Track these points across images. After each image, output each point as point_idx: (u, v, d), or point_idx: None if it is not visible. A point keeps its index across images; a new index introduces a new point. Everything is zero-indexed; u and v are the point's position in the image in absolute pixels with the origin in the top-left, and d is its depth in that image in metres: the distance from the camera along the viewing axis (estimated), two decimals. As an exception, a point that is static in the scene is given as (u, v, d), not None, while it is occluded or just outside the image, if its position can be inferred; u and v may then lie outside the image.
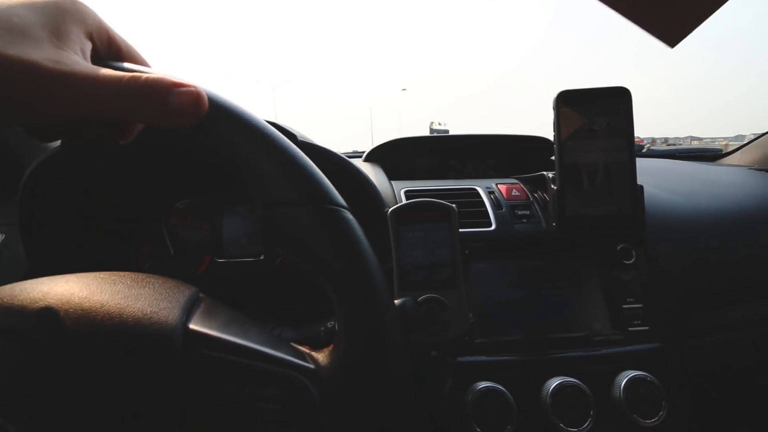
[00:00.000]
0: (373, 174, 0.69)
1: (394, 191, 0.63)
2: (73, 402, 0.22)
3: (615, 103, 0.50)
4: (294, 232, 0.25)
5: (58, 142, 0.51)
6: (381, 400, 0.24)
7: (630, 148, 0.50)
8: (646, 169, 0.86)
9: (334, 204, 0.26)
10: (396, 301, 0.33)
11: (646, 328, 0.52)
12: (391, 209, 0.47)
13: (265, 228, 0.26)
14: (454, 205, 0.47)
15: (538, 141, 0.81)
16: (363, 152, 0.88)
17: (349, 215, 0.26)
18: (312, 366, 0.25)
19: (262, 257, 0.69)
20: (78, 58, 0.21)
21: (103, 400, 0.22)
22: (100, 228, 0.64)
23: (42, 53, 0.20)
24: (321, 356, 0.26)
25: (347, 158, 0.57)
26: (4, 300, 0.24)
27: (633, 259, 0.54)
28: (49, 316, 0.23)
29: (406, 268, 0.45)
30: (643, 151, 1.20)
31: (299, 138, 0.53)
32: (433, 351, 0.44)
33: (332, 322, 0.40)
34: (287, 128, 0.54)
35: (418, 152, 0.87)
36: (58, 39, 0.21)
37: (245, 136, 0.25)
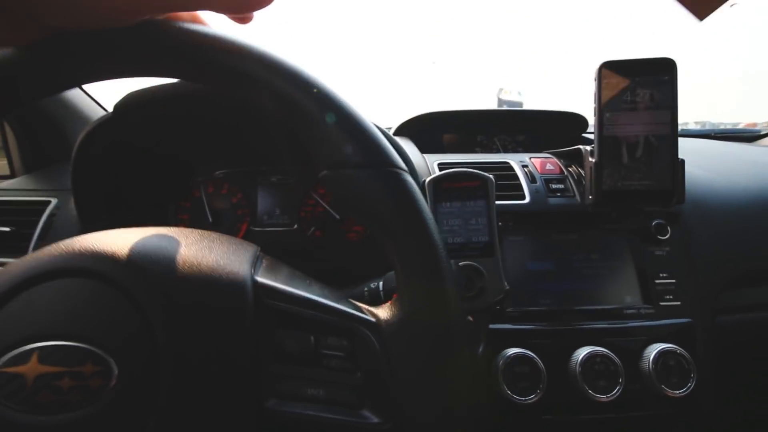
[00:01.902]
0: (405, 146, 0.70)
1: (427, 164, 0.64)
2: (161, 343, 0.24)
3: (659, 74, 0.49)
4: (358, 193, 0.26)
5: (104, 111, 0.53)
6: (440, 351, 0.26)
7: (673, 122, 0.49)
8: (682, 148, 0.84)
9: (395, 167, 0.27)
10: None
11: (678, 303, 0.52)
12: (429, 179, 0.48)
13: (330, 188, 0.27)
14: (491, 176, 0.48)
15: (569, 117, 0.80)
16: (389, 128, 0.89)
17: (409, 177, 0.27)
18: (373, 319, 0.27)
19: (295, 227, 0.71)
20: None
21: (187, 343, 0.24)
22: (144, 194, 0.67)
23: None
24: (380, 311, 0.28)
25: (380, 127, 0.58)
26: (95, 246, 0.26)
27: (668, 235, 0.54)
28: (137, 264, 0.25)
29: (444, 236, 0.46)
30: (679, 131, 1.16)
31: None
32: (469, 316, 0.45)
33: (375, 283, 0.42)
34: None
35: (445, 126, 0.87)
36: None
37: (312, 98, 0.26)
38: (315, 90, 0.27)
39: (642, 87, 0.49)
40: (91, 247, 0.26)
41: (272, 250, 0.69)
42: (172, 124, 0.60)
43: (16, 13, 0.22)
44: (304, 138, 0.27)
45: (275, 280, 0.28)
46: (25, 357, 0.23)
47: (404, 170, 0.27)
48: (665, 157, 0.49)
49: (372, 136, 0.27)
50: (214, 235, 0.32)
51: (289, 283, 0.28)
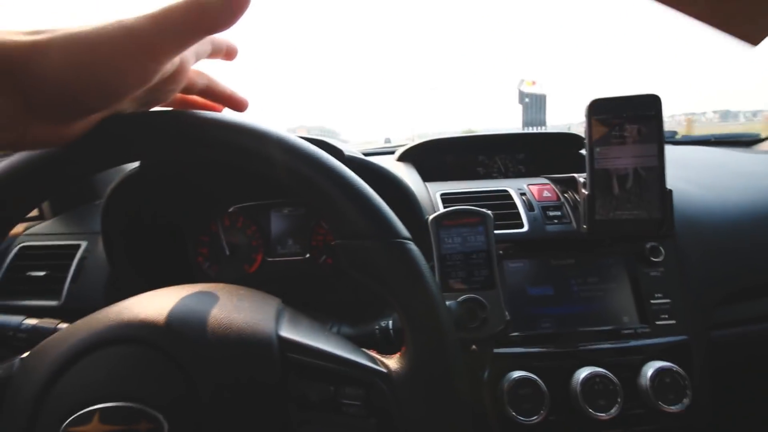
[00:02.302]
0: (408, 176, 0.73)
1: (430, 194, 0.67)
2: (204, 399, 0.28)
3: (646, 109, 0.52)
4: (367, 261, 0.30)
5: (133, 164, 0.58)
6: (442, 395, 0.29)
7: (660, 154, 0.52)
8: (677, 161, 0.86)
9: (400, 237, 0.30)
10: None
11: (673, 322, 0.55)
12: (432, 217, 0.51)
13: (342, 256, 0.31)
14: (490, 213, 0.51)
15: (565, 136, 0.83)
16: (395, 146, 0.92)
17: (413, 247, 0.30)
18: (385, 370, 0.31)
19: (307, 255, 0.75)
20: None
21: (225, 398, 0.28)
22: (166, 231, 0.71)
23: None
24: (391, 362, 0.31)
25: (385, 164, 0.62)
26: (140, 314, 0.30)
27: (661, 257, 0.57)
28: (177, 329, 0.29)
29: (447, 271, 0.50)
30: (676, 137, 1.18)
31: (346, 153, 0.58)
32: (473, 345, 0.49)
33: (385, 323, 0.46)
34: (335, 144, 0.59)
35: (447, 150, 0.90)
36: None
37: (323, 176, 0.30)
38: (325, 169, 0.30)
39: (630, 122, 0.52)
40: (136, 315, 0.30)
41: (286, 278, 0.73)
42: (191, 171, 0.64)
43: (65, 108, 0.25)
44: (320, 210, 0.31)
45: (297, 335, 0.31)
46: (88, 417, 0.27)
47: (409, 240, 0.31)
48: (654, 187, 0.52)
49: (379, 209, 0.30)
50: (241, 290, 0.35)
51: (309, 337, 0.32)
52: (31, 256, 0.66)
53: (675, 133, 1.20)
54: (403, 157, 0.86)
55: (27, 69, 0.24)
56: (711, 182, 0.72)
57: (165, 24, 0.24)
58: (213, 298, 0.33)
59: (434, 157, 0.89)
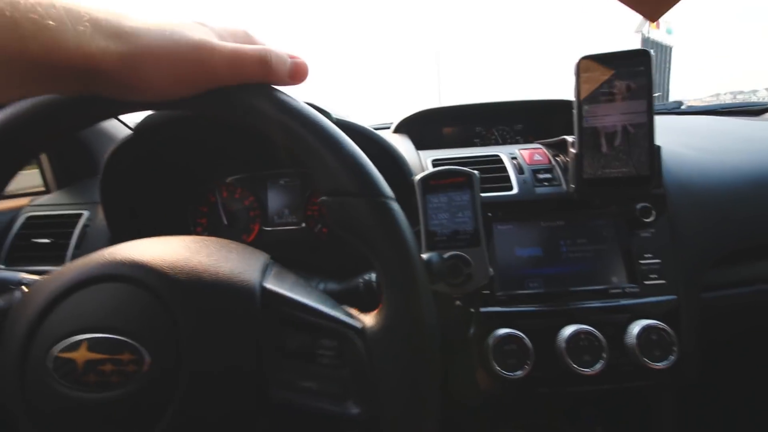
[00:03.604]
0: (402, 145, 0.73)
1: (421, 161, 0.67)
2: (184, 337, 0.29)
3: (635, 65, 0.51)
4: (351, 218, 0.31)
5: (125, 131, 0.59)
6: (414, 355, 0.30)
7: (649, 110, 0.51)
8: (677, 128, 0.85)
9: (384, 196, 0.31)
10: (423, 256, 0.39)
11: (663, 281, 0.55)
12: (418, 177, 0.52)
13: (328, 211, 0.32)
14: (476, 172, 0.51)
15: (562, 104, 0.82)
16: (390, 123, 0.93)
17: (395, 206, 0.31)
18: (359, 325, 0.32)
19: (303, 225, 0.76)
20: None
21: (206, 338, 0.29)
22: (166, 201, 0.73)
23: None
24: (367, 318, 0.33)
25: (377, 132, 0.62)
26: (132, 256, 0.31)
27: (652, 218, 0.57)
28: (166, 271, 0.30)
29: (433, 230, 0.50)
30: (682, 107, 1.16)
31: (333, 116, 0.58)
32: (457, 301, 0.50)
33: (369, 275, 0.47)
34: (322, 107, 0.59)
35: (444, 121, 0.90)
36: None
37: (311, 132, 0.31)
38: (314, 126, 0.31)
39: (619, 78, 0.51)
40: (129, 256, 0.31)
41: (283, 247, 0.75)
42: (188, 138, 0.66)
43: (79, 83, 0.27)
44: (308, 167, 0.32)
45: (281, 287, 0.33)
46: (76, 345, 0.28)
47: (391, 199, 0.31)
48: (642, 144, 0.51)
49: (364, 168, 0.31)
50: (231, 244, 0.37)
51: (292, 290, 0.33)
52: (36, 225, 0.69)
53: (681, 103, 1.17)
54: (399, 129, 0.86)
55: (107, 77, 0.26)
56: (710, 146, 0.71)
57: (235, 65, 0.29)
58: (204, 247, 0.35)
59: (430, 128, 0.89)
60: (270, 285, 0.32)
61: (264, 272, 0.34)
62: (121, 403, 0.28)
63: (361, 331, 0.31)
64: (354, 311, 0.33)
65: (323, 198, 0.31)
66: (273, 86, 0.31)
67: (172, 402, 0.28)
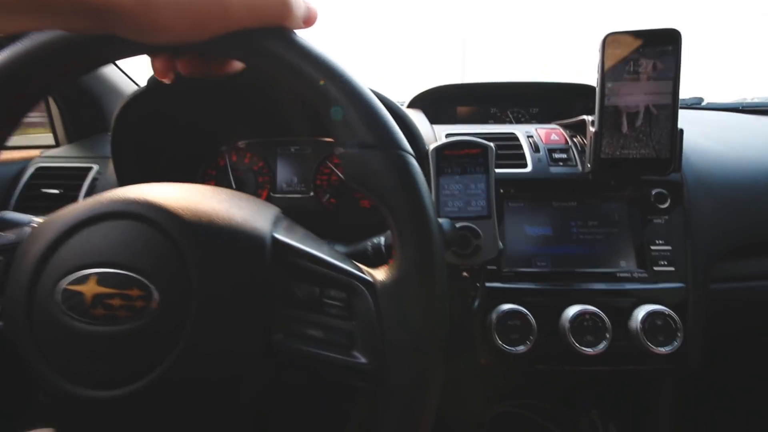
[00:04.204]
0: (416, 118, 0.72)
1: (435, 134, 0.66)
2: (193, 277, 0.29)
3: (664, 45, 0.49)
4: (366, 170, 0.30)
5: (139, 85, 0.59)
6: (422, 311, 0.30)
7: (675, 92, 0.50)
8: (698, 121, 0.83)
9: (401, 149, 0.30)
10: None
11: (672, 269, 0.55)
12: (433, 146, 0.51)
13: (343, 164, 0.31)
14: (492, 144, 0.51)
15: (582, 89, 0.80)
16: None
17: (412, 160, 0.31)
18: (370, 279, 0.32)
19: (311, 194, 0.76)
20: None
21: (214, 280, 0.29)
22: (175, 161, 0.73)
23: None
24: (377, 272, 0.32)
25: (387, 97, 0.61)
26: (144, 195, 0.31)
27: (667, 204, 0.56)
28: (178, 212, 0.30)
29: (444, 200, 0.50)
30: (703, 104, 1.13)
31: None
32: (464, 272, 0.49)
33: (378, 239, 0.46)
34: None
35: (459, 99, 0.88)
36: None
37: (332, 82, 0.30)
38: (335, 76, 0.30)
39: (645, 57, 0.50)
40: (141, 195, 0.31)
41: (290, 215, 0.75)
42: (199, 97, 0.65)
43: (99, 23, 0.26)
44: (324, 118, 0.31)
45: (291, 238, 0.33)
46: (85, 279, 0.28)
47: (409, 153, 0.31)
48: (665, 126, 0.50)
49: (383, 120, 0.30)
50: (244, 195, 0.36)
51: (302, 242, 0.33)
52: (46, 175, 0.68)
53: (701, 99, 1.15)
54: (413, 104, 0.85)
55: (122, 16, 0.25)
56: (730, 139, 0.69)
57: (254, 7, 0.28)
58: (217, 193, 0.34)
59: (444, 106, 0.87)
60: (280, 235, 0.32)
61: (275, 223, 0.33)
62: (128, 337, 0.28)
63: (371, 284, 0.31)
64: (363, 266, 0.33)
65: (339, 150, 0.31)
66: (291, 31, 0.31)
67: (180, 340, 0.28)
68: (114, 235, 0.30)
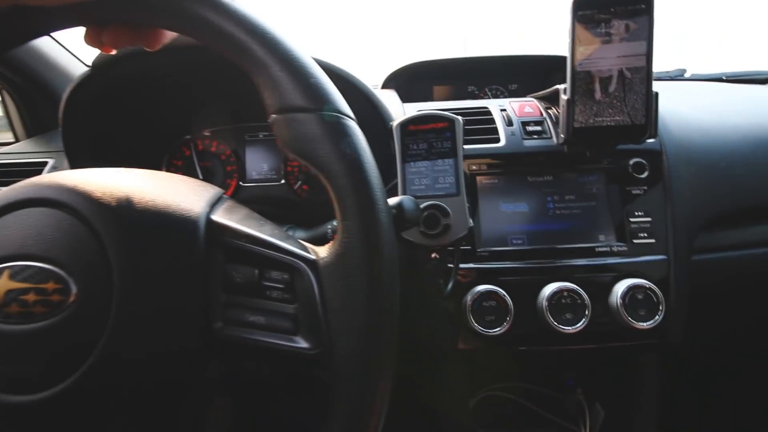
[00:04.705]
0: (386, 97, 0.69)
1: (405, 112, 0.64)
2: (115, 267, 0.26)
3: (636, 2, 0.47)
4: (301, 135, 0.27)
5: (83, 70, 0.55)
6: (367, 287, 0.27)
7: (648, 53, 0.47)
8: (679, 91, 0.81)
9: (338, 112, 0.28)
10: (393, 200, 0.36)
11: (652, 241, 0.53)
12: (396, 122, 0.48)
13: (276, 132, 0.28)
14: (459, 118, 0.48)
15: (562, 61, 0.77)
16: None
17: (350, 122, 0.28)
18: (313, 256, 0.29)
19: (282, 181, 0.73)
20: None
21: (138, 269, 0.27)
22: (135, 153, 0.69)
23: None
24: (322, 250, 0.30)
25: (346, 70, 0.57)
26: (61, 180, 0.28)
27: (646, 174, 0.54)
28: (97, 196, 0.27)
29: (411, 177, 0.47)
30: (686, 75, 1.11)
31: None
32: (434, 253, 0.47)
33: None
34: None
35: (434, 78, 0.85)
36: None
37: (260, 43, 0.27)
38: (259, 33, 0.27)
39: (617, 17, 0.47)
40: (57, 181, 0.28)
41: (261, 203, 0.72)
42: (157, 83, 0.61)
43: None
44: (256, 83, 0.28)
45: (229, 219, 0.30)
46: None
47: (347, 116, 0.28)
48: (639, 90, 0.47)
49: (317, 82, 0.28)
50: (183, 179, 0.34)
51: (241, 222, 0.30)
52: (2, 173, 0.65)
53: (684, 71, 1.12)
54: (386, 85, 0.82)
55: None
56: (710, 106, 0.67)
57: None
58: (147, 177, 0.32)
59: (420, 86, 0.84)
60: (217, 217, 0.30)
61: (213, 205, 0.31)
62: (45, 336, 0.25)
63: (313, 263, 0.28)
64: (308, 245, 0.30)
65: (272, 117, 0.28)
66: None
67: (102, 337, 0.26)
68: (27, 224, 0.27)
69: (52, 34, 0.80)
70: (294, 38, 0.29)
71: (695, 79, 1.10)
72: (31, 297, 0.26)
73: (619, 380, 0.61)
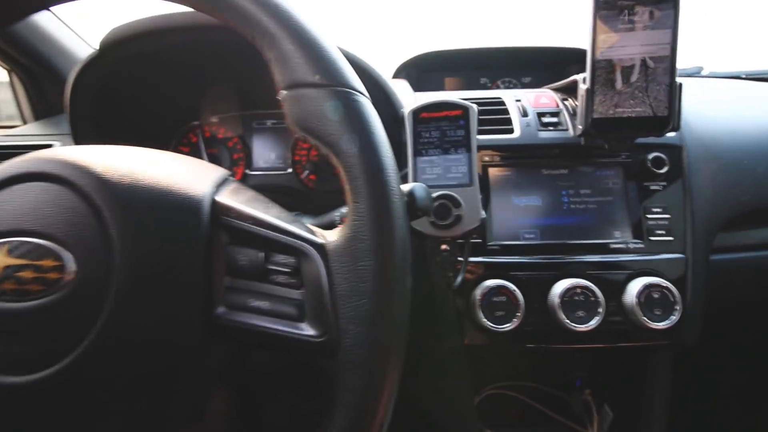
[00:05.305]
0: (398, 86, 0.68)
1: (417, 101, 0.62)
2: (115, 245, 0.25)
3: (662, -11, 0.45)
4: (311, 111, 0.26)
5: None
6: (377, 271, 0.26)
7: (673, 43, 0.45)
8: (698, 87, 0.78)
9: (349, 87, 0.26)
10: (405, 186, 0.34)
11: (670, 239, 0.51)
12: (409, 110, 0.47)
13: (286, 108, 0.27)
14: (474, 105, 0.46)
15: (577, 53, 0.75)
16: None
17: (363, 100, 0.27)
18: (321, 240, 0.28)
19: (289, 171, 0.71)
20: None
21: (139, 248, 0.26)
22: (142, 139, 0.68)
23: None
24: (330, 233, 0.29)
25: (357, 55, 0.56)
26: (63, 155, 0.27)
27: (665, 169, 0.52)
28: (99, 173, 0.26)
29: (422, 166, 0.46)
30: (703, 73, 1.08)
31: None
32: (444, 245, 0.46)
33: (346, 208, 0.42)
34: None
35: (446, 69, 0.83)
36: None
37: (270, 15, 0.26)
38: (268, 5, 0.26)
39: (641, 4, 0.45)
40: (57, 156, 0.27)
41: (268, 192, 0.71)
42: (164, 67, 0.60)
43: None
44: (266, 58, 0.27)
45: (235, 201, 0.29)
46: None
47: (360, 92, 0.27)
48: (662, 80, 0.45)
49: (329, 56, 0.27)
50: (189, 159, 0.33)
51: (247, 204, 0.29)
52: (3, 155, 0.64)
53: (701, 68, 1.09)
54: (397, 75, 0.80)
55: None
56: (732, 103, 0.65)
57: None
58: (153, 155, 0.31)
59: (431, 76, 0.83)
60: (222, 198, 0.29)
61: (218, 186, 0.30)
62: (41, 314, 0.24)
63: (321, 247, 0.27)
64: (316, 229, 0.29)
65: (282, 93, 0.27)
66: None
67: (100, 316, 0.25)
68: (26, 199, 0.26)
69: (58, 14, 0.80)
70: (306, 12, 0.28)
71: (713, 76, 1.08)
72: (27, 274, 0.25)
73: (629, 381, 0.59)
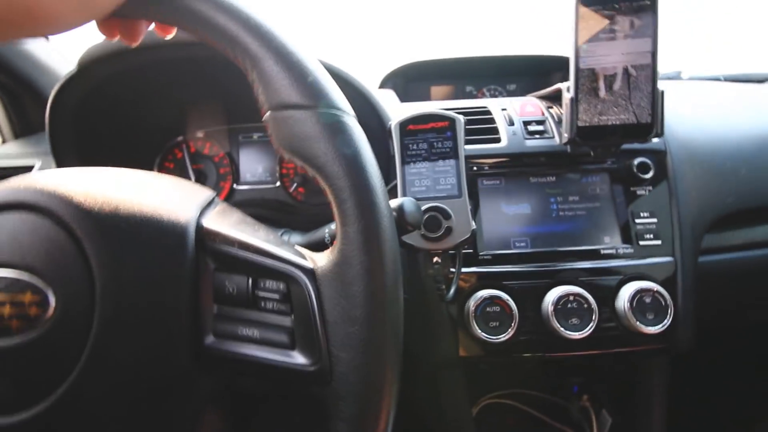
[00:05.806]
0: (384, 97, 0.68)
1: (404, 112, 0.62)
2: (97, 277, 0.24)
3: (640, 0, 0.45)
4: (296, 133, 0.26)
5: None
6: (368, 295, 0.25)
7: (654, 51, 0.46)
8: (678, 91, 0.80)
9: (336, 108, 0.26)
10: (394, 202, 0.34)
11: (659, 242, 0.51)
12: (395, 122, 0.47)
13: (271, 130, 0.27)
14: (461, 117, 0.46)
15: (561, 61, 0.76)
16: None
17: (350, 119, 0.26)
18: (310, 265, 0.27)
19: (277, 184, 0.71)
20: None
21: (123, 279, 0.25)
22: (126, 156, 0.67)
23: None
24: (320, 257, 0.28)
25: (342, 69, 0.56)
26: (41, 183, 0.26)
27: (650, 174, 0.52)
28: (78, 200, 0.25)
29: (410, 179, 0.46)
30: (682, 76, 1.10)
31: None
32: (435, 257, 0.45)
33: (335, 225, 0.42)
34: None
35: (432, 78, 0.84)
36: None
37: (253, 36, 0.25)
38: (253, 26, 0.26)
39: (622, 14, 0.46)
40: (37, 183, 0.26)
41: (256, 207, 0.70)
42: (147, 83, 0.59)
43: None
44: (250, 79, 0.27)
45: (221, 225, 0.28)
46: None
47: (345, 112, 0.26)
48: (644, 88, 0.46)
49: (314, 76, 0.26)
50: (173, 179, 0.32)
51: (234, 228, 0.28)
52: None
53: (680, 72, 1.12)
54: (383, 85, 0.81)
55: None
56: (712, 106, 0.66)
57: None
58: (138, 179, 0.30)
59: (417, 86, 0.83)
60: (207, 222, 0.28)
61: (204, 209, 0.29)
62: (22, 352, 0.23)
63: (311, 272, 0.26)
64: (306, 251, 0.29)
65: (266, 114, 0.26)
66: None
67: (83, 354, 0.24)
68: (3, 229, 0.25)
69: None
70: (290, 32, 0.27)
71: (693, 79, 1.10)
72: (6, 310, 0.24)
73: (626, 386, 0.59)
